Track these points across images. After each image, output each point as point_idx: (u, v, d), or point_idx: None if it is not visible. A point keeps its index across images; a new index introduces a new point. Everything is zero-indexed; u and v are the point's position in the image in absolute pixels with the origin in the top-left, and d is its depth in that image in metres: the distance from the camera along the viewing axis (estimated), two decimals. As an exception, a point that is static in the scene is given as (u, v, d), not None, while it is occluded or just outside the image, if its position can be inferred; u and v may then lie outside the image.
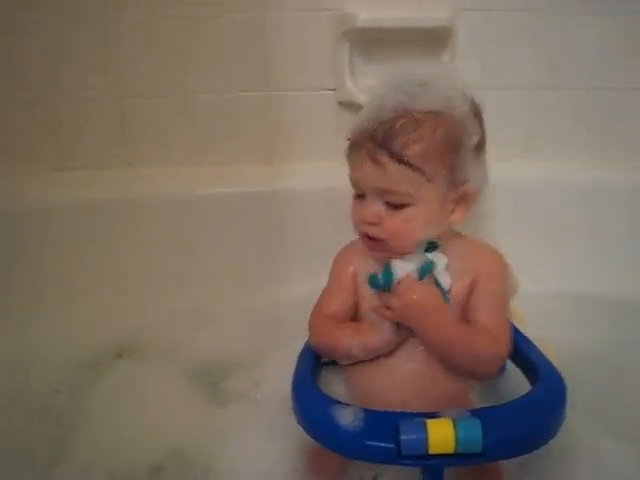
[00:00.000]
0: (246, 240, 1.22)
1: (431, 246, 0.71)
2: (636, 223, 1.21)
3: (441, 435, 0.58)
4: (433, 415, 0.61)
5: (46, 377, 0.98)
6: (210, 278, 1.21)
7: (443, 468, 0.63)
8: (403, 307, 0.67)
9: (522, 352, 0.76)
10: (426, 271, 0.68)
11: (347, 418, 0.63)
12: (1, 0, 1.15)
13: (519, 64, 1.24)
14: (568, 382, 0.68)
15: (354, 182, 0.74)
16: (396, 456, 0.59)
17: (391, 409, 0.64)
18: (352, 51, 1.21)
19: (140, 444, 0.84)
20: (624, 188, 1.23)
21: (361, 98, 1.18)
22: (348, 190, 0.76)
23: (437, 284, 0.70)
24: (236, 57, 1.22)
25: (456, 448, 0.58)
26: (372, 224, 0.71)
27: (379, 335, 0.71)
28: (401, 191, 0.69)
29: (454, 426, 0.58)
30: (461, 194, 0.72)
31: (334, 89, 1.25)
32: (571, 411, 0.66)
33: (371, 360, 0.73)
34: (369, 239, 0.73)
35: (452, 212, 0.73)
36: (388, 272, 0.68)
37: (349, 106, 1.24)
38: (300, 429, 0.68)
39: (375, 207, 0.71)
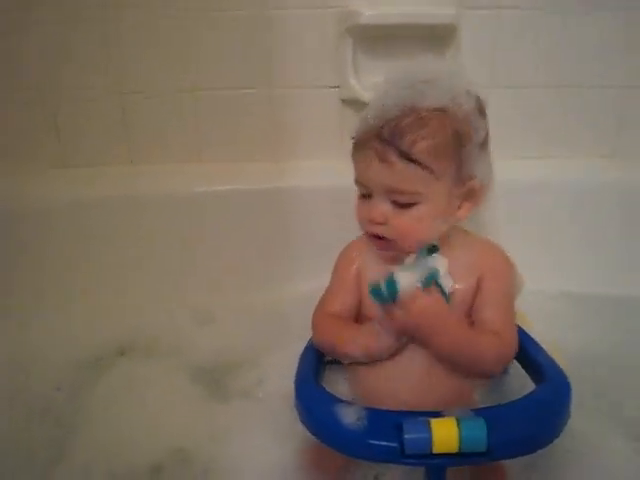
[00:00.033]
0: (250, 238, 1.22)
1: (432, 249, 0.70)
2: (629, 224, 1.21)
3: (445, 434, 0.57)
4: (437, 414, 0.61)
5: (46, 377, 0.97)
6: (213, 276, 1.20)
7: (446, 468, 0.62)
8: (408, 320, 0.66)
9: (526, 352, 0.75)
10: (430, 281, 0.67)
11: (350, 417, 0.62)
12: (1, 0, 1.15)
13: (518, 63, 1.24)
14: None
15: (360, 181, 0.73)
16: (399, 455, 0.59)
17: (394, 408, 0.64)
18: (356, 48, 1.21)
19: (140, 444, 0.84)
20: (619, 188, 1.23)
21: (365, 95, 1.18)
22: (352, 188, 0.75)
23: (439, 287, 0.69)
24: (238, 55, 1.22)
25: (460, 447, 0.57)
26: (380, 224, 0.71)
27: (381, 340, 0.70)
28: (410, 190, 0.68)
29: (458, 425, 0.58)
30: (467, 190, 0.72)
31: (338, 86, 1.25)
32: (576, 411, 0.65)
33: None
34: (377, 239, 0.72)
35: (458, 208, 0.73)
36: (392, 284, 0.65)
37: (353, 103, 1.24)
38: (303, 427, 0.67)
39: (383, 206, 0.70)
